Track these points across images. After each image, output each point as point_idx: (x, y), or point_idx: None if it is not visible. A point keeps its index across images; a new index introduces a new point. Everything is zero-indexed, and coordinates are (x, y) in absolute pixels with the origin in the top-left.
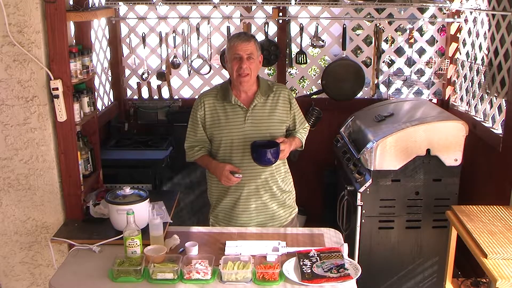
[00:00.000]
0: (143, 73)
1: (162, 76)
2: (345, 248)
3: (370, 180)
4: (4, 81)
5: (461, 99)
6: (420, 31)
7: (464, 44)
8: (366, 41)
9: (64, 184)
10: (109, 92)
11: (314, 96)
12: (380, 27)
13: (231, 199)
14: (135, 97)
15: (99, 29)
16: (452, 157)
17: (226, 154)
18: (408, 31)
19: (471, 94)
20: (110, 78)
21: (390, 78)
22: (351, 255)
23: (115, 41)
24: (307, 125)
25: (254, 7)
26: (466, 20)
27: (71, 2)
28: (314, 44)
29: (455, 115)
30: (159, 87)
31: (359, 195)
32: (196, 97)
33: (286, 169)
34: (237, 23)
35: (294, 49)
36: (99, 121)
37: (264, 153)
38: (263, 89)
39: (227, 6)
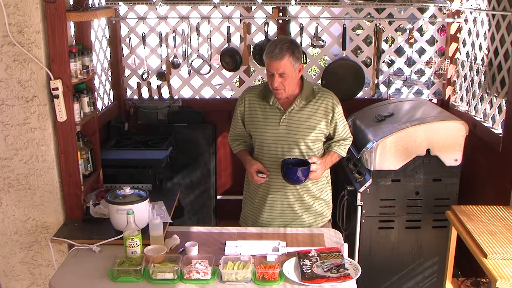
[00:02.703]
0: (143, 73)
1: (162, 76)
2: (345, 248)
3: (370, 180)
4: (4, 81)
5: (461, 99)
6: (420, 31)
7: (464, 44)
8: (366, 41)
9: (64, 184)
10: (109, 92)
11: None
12: (380, 27)
13: (259, 198)
14: (135, 97)
15: (99, 29)
16: (452, 157)
17: (259, 152)
18: (408, 31)
19: (471, 94)
20: (110, 78)
21: (390, 78)
22: (351, 255)
23: (115, 41)
24: (349, 137)
25: (254, 7)
26: (466, 20)
27: (71, 2)
28: (314, 44)
29: (455, 115)
30: (159, 87)
31: (359, 195)
32: (196, 97)
33: (323, 177)
34: (237, 23)
35: None
36: (99, 121)
37: (293, 171)
38: (305, 93)
39: (227, 6)
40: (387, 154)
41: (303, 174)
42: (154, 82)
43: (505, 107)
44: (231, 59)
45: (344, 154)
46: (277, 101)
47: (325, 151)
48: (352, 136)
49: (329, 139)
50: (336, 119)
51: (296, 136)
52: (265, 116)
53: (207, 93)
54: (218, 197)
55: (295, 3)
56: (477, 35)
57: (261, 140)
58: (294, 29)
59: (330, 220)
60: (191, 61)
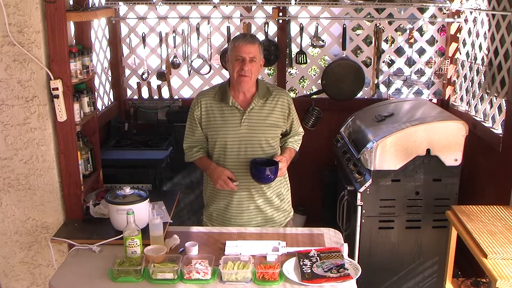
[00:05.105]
0: (143, 73)
1: (162, 76)
2: (345, 248)
3: (370, 180)
4: (4, 81)
5: (461, 99)
6: (420, 31)
7: (464, 44)
8: (366, 41)
9: (64, 184)
10: (109, 92)
11: (314, 96)
12: (380, 27)
13: (224, 201)
14: (135, 97)
15: (99, 29)
16: (452, 157)
17: (221, 155)
18: (408, 31)
19: (471, 94)
20: (110, 78)
21: (390, 78)
22: (351, 255)
23: (115, 41)
24: (301, 131)
25: (254, 7)
26: (466, 20)
27: (71, 2)
28: (314, 44)
29: (455, 115)
30: (159, 87)
31: (359, 195)
32: None
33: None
34: (237, 23)
35: (294, 49)
36: (99, 121)
37: (263, 171)
38: (262, 92)
39: (227, 6)
40: (387, 154)
41: (272, 173)
42: (154, 82)
43: (505, 107)
44: None
45: (297, 149)
46: (236, 101)
47: (281, 147)
48: (303, 131)
49: (284, 135)
50: (292, 115)
51: (258, 134)
52: (224, 118)
53: None
54: None
55: (295, 3)
56: (477, 35)
57: (223, 142)
58: (294, 29)
59: (292, 214)
60: (191, 61)
